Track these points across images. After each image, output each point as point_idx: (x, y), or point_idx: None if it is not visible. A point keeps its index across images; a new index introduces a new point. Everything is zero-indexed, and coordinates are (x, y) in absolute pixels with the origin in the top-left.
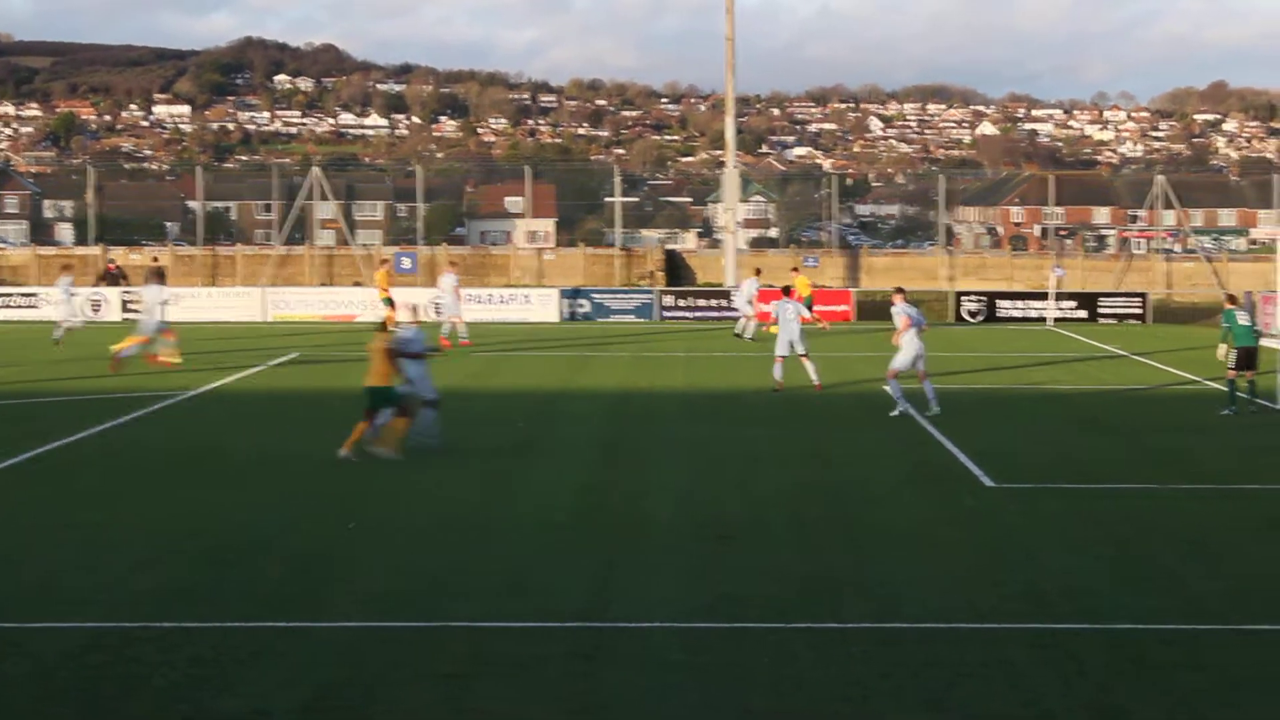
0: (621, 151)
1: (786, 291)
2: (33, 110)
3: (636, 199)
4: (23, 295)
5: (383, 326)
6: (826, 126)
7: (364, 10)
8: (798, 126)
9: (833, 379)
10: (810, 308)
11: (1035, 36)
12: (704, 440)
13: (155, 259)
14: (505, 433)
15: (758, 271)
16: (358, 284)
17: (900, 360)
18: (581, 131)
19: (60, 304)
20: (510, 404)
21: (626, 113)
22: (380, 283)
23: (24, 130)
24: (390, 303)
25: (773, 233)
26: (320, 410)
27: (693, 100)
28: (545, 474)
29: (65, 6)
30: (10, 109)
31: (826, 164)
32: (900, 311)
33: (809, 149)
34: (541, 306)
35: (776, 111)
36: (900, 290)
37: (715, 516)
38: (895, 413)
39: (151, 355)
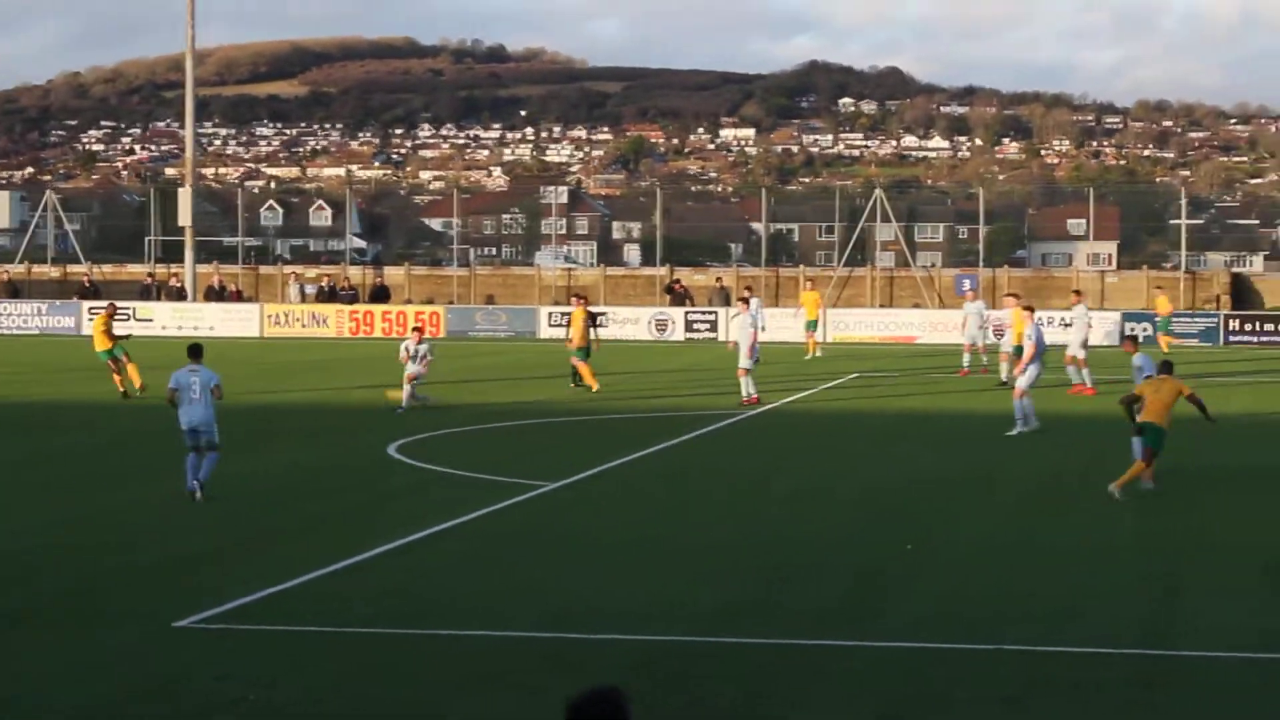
0: (1187, 173)
1: None
2: (603, 134)
3: (1202, 221)
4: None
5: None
6: None
7: (948, 33)
8: None
9: None
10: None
11: None
12: (1269, 467)
13: (719, 279)
14: (1067, 457)
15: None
16: (917, 305)
17: None
18: (1146, 153)
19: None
20: (1070, 429)
21: (1193, 134)
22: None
23: (595, 154)
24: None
25: None
26: (880, 430)
27: (1263, 120)
28: (1102, 500)
29: (645, 33)
30: (583, 133)
31: None
32: None
33: None
34: (1101, 329)
35: None
36: None
37: (1277, 544)
38: None
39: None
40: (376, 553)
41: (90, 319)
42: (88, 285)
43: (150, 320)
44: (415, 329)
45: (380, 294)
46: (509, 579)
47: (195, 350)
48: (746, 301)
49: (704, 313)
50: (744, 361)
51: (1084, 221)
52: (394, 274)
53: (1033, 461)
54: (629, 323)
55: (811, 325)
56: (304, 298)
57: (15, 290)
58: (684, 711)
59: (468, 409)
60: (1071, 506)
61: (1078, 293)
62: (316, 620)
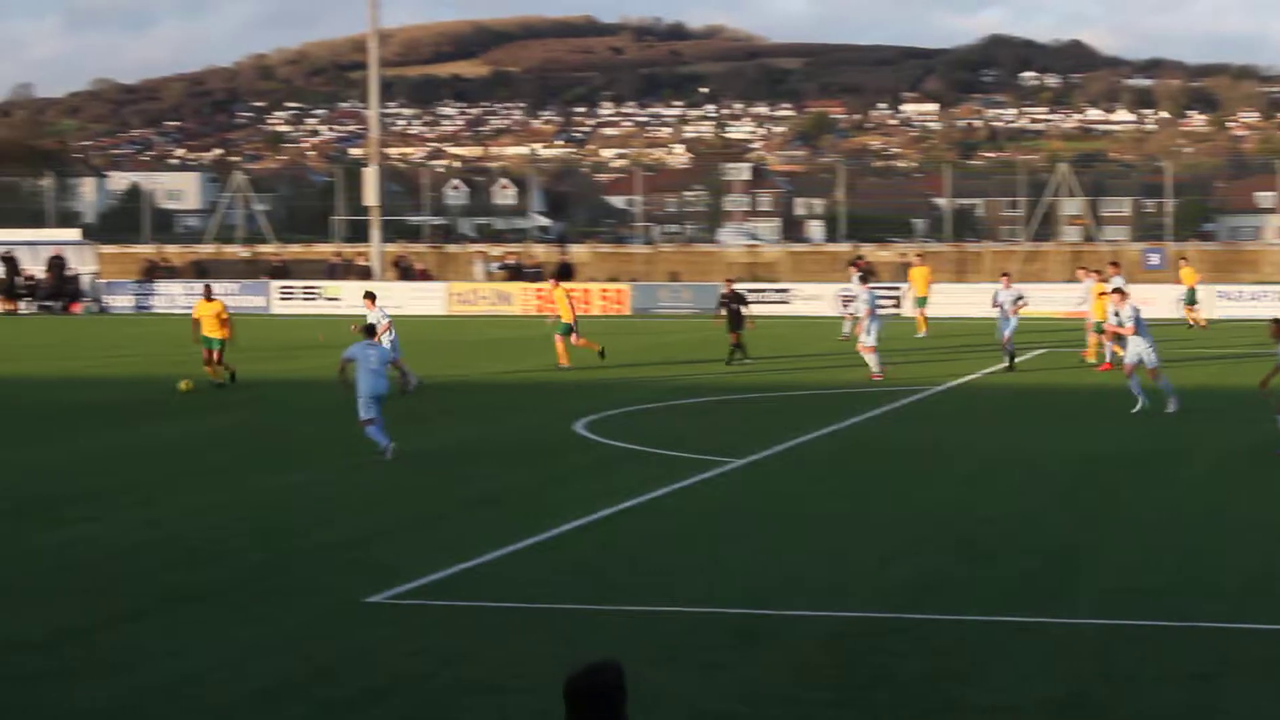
0: None
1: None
2: (785, 110)
3: None
4: (775, 291)
5: None
6: None
7: (1133, 5)
8: None
9: None
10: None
11: None
12: None
13: (903, 254)
14: (1257, 432)
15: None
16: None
17: None
18: None
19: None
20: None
21: None
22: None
23: (776, 130)
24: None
25: None
26: (1065, 406)
27: None
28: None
29: (826, 9)
30: (764, 109)
31: None
32: None
33: None
34: None
35: None
36: None
37: None
38: None
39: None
40: (564, 529)
41: (279, 298)
42: (277, 265)
43: (338, 299)
44: (367, 295)
45: (565, 272)
46: (697, 555)
47: (369, 329)
48: (865, 278)
49: (889, 288)
50: (866, 339)
51: (1273, 194)
52: (578, 252)
53: (1216, 436)
54: (814, 299)
55: (921, 302)
56: (489, 276)
57: (204, 270)
58: (869, 686)
59: (652, 385)
60: (1259, 481)
61: (1006, 274)
62: (505, 596)
